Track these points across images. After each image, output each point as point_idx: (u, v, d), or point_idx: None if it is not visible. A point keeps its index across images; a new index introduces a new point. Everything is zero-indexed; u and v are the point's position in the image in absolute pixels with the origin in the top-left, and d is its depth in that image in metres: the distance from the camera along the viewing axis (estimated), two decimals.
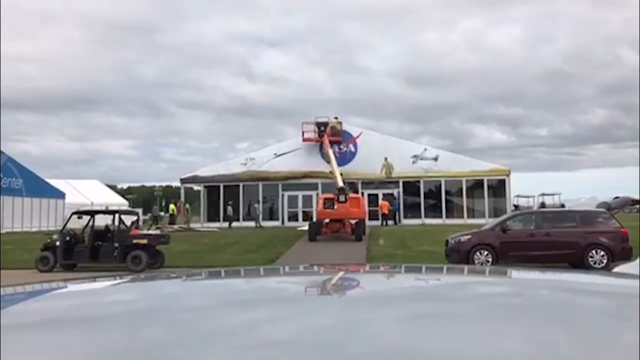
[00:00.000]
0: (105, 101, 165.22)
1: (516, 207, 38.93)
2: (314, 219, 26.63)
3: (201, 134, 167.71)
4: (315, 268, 2.01)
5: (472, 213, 36.10)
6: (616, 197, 49.40)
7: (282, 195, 37.70)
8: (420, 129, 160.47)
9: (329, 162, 31.58)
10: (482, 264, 14.77)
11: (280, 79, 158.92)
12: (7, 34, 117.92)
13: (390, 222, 33.75)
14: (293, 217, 37.19)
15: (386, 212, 34.06)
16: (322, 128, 36.63)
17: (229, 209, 36.19)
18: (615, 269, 5.38)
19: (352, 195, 26.76)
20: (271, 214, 37.64)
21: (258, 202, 36.80)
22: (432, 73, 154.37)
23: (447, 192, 37.47)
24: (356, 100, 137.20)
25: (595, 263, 14.91)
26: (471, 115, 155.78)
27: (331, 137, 36.22)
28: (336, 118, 38.46)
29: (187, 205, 38.37)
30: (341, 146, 37.55)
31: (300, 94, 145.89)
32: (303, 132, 37.83)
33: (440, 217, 35.99)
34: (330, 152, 32.17)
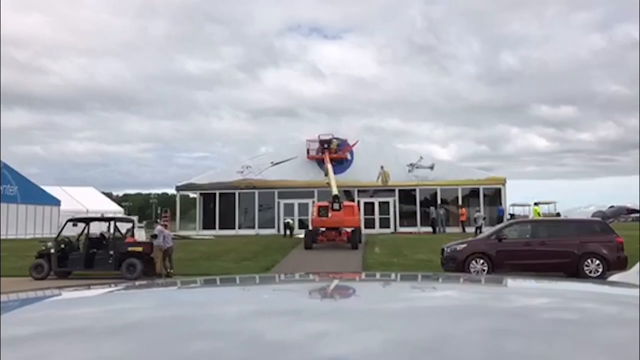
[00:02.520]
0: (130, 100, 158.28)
1: (512, 215, 38.97)
2: (310, 227, 26.60)
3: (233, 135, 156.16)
4: (311, 276, 2.01)
5: (468, 221, 36.14)
6: (611, 206, 49.61)
7: (278, 203, 37.66)
8: (454, 133, 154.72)
9: (326, 175, 31.55)
10: (477, 272, 14.77)
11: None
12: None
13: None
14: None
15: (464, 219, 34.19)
16: (325, 145, 36.67)
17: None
18: (611, 278, 5.40)
19: (346, 203, 26.76)
20: (267, 222, 37.57)
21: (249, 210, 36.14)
22: (482, 72, 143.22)
23: (443, 201, 37.51)
24: (388, 101, 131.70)
25: (590, 272, 14.93)
26: (514, 118, 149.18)
27: (334, 155, 36.20)
28: (337, 139, 38.39)
29: (167, 213, 38.43)
30: (339, 152, 37.59)
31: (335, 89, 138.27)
32: (308, 150, 37.84)
33: (436, 225, 36.01)
34: (330, 167, 32.07)
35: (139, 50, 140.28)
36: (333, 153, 36.30)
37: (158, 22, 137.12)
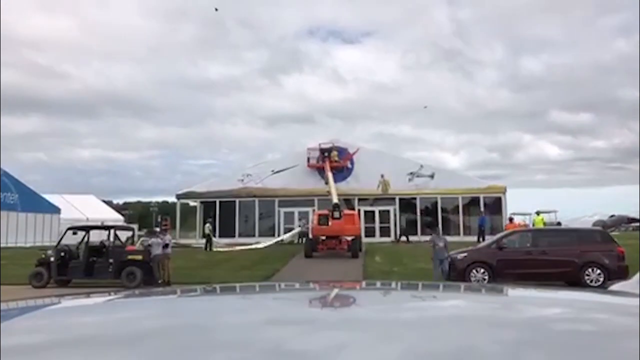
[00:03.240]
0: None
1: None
2: (310, 236, 26.55)
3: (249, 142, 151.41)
4: (311, 285, 2.00)
5: (468, 230, 36.07)
6: (612, 216, 49.52)
7: (279, 212, 37.63)
8: (465, 140, 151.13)
9: (327, 183, 31.46)
10: (478, 281, 14.73)
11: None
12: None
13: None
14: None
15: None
16: (326, 154, 36.63)
17: (207, 226, 32.47)
18: (612, 288, 5.38)
19: (346, 211, 26.69)
20: (268, 231, 37.51)
21: (209, 220, 34.15)
22: (503, 78, 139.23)
23: (443, 210, 37.48)
24: (405, 107, 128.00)
25: (591, 281, 14.90)
26: (529, 125, 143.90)
27: (335, 163, 36.09)
28: (337, 147, 38.30)
29: (167, 221, 38.37)
30: (340, 161, 37.57)
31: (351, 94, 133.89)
32: (308, 158, 37.80)
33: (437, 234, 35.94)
34: (330, 176, 31.98)
35: (161, 54, 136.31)
36: (333, 162, 36.26)
37: (186, 26, 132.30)
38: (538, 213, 34.63)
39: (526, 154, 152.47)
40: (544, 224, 34.82)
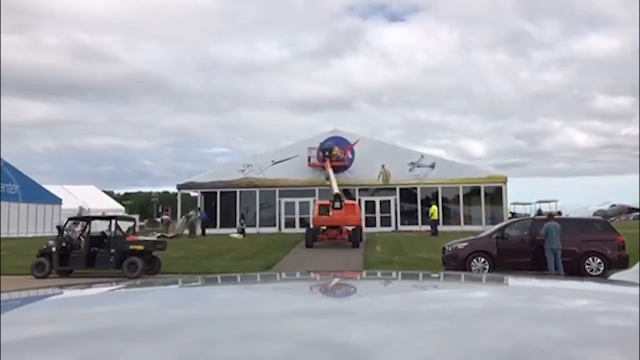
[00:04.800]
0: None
1: (513, 214, 38.95)
2: (311, 226, 26.60)
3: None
4: (312, 274, 2.01)
5: (469, 220, 36.12)
6: (613, 205, 49.58)
7: (279, 202, 37.67)
8: (490, 127, 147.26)
9: (327, 179, 31.27)
10: (479, 271, 14.77)
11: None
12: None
13: None
14: (290, 223, 37.15)
15: None
16: (327, 153, 36.50)
17: (192, 214, 33.79)
18: (612, 277, 5.39)
19: (347, 201, 26.71)
20: (268, 221, 37.57)
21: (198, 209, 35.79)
22: (550, 58, 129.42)
23: (444, 199, 37.50)
24: (440, 91, 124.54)
25: (591, 270, 14.93)
26: (564, 109, 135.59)
27: (335, 163, 35.77)
28: (338, 137, 38.19)
29: (168, 212, 38.51)
30: (339, 161, 37.43)
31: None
32: (309, 157, 37.68)
33: (437, 224, 36.01)
34: (331, 173, 31.67)
35: (191, 36, 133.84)
36: (334, 161, 35.96)
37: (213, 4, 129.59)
38: (539, 202, 34.61)
39: (552, 141, 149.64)
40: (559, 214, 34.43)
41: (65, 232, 16.51)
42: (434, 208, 31.61)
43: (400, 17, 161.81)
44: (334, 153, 36.67)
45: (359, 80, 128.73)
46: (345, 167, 37.34)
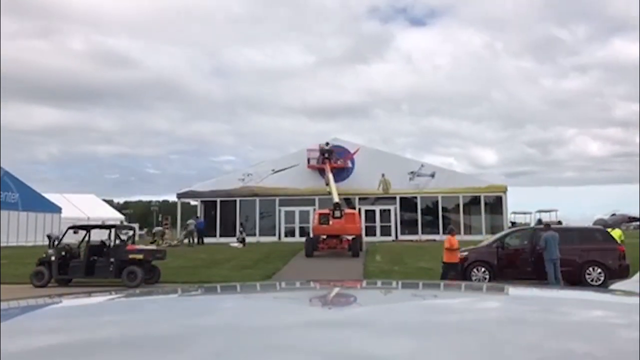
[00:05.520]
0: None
1: (513, 224, 38.92)
2: (311, 235, 26.56)
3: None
4: (312, 284, 2.00)
5: (469, 230, 36.09)
6: (613, 214, 49.54)
7: (279, 211, 37.64)
8: (503, 135, 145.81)
9: (327, 184, 31.27)
10: (479, 280, 14.74)
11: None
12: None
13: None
14: (290, 232, 37.12)
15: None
16: (326, 155, 36.54)
17: (190, 222, 33.79)
18: (612, 286, 5.38)
19: (347, 210, 26.69)
20: (268, 230, 37.54)
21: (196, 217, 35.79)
22: (572, 63, 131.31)
23: (444, 209, 37.50)
24: (455, 98, 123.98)
25: (592, 280, 14.89)
26: (581, 117, 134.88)
27: (335, 164, 35.82)
28: (338, 147, 38.20)
29: (168, 220, 38.51)
30: (339, 162, 37.54)
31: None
32: (308, 159, 37.71)
33: (437, 233, 35.99)
34: (331, 177, 31.75)
35: (208, 42, 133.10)
36: (334, 163, 36.04)
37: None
38: (539, 212, 34.60)
39: (565, 150, 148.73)
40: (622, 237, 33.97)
41: (55, 242, 16.49)
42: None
43: (422, 21, 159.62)
44: (333, 155, 36.70)
45: (376, 86, 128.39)
46: (345, 169, 37.33)
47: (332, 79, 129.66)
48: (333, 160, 36.19)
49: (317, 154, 37.16)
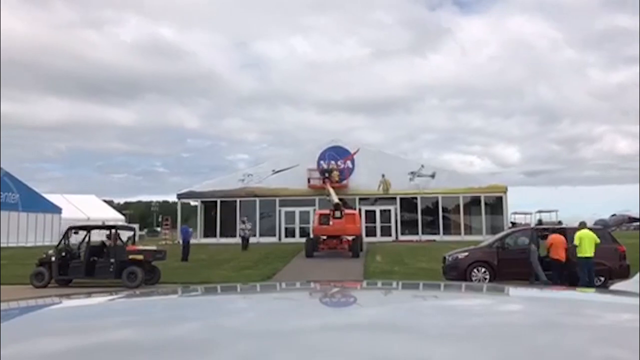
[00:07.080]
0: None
1: (513, 224, 38.89)
2: (311, 235, 26.54)
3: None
4: (312, 284, 2.00)
5: (469, 230, 36.07)
6: (613, 215, 49.49)
7: (279, 211, 37.63)
8: (532, 132, 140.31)
9: (328, 196, 30.72)
10: (479, 281, 14.73)
11: None
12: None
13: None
14: (290, 233, 37.10)
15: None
16: (326, 174, 36.32)
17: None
18: (613, 287, 5.38)
19: (348, 211, 26.67)
20: (268, 230, 37.51)
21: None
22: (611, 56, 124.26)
23: (444, 209, 37.48)
24: (493, 92, 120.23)
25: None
26: (609, 112, 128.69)
27: (336, 184, 34.85)
28: (339, 147, 38.09)
29: (168, 221, 38.42)
30: (339, 162, 37.44)
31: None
32: (309, 179, 37.45)
33: (438, 234, 35.98)
34: (332, 191, 31.06)
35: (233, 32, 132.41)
36: (334, 182, 35.17)
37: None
38: (539, 212, 34.60)
39: (592, 148, 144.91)
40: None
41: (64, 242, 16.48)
42: None
43: (471, 9, 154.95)
44: (333, 174, 36.51)
45: (410, 80, 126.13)
46: (346, 169, 37.30)
47: (367, 74, 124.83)
48: (333, 179, 35.83)
49: (317, 174, 36.89)
